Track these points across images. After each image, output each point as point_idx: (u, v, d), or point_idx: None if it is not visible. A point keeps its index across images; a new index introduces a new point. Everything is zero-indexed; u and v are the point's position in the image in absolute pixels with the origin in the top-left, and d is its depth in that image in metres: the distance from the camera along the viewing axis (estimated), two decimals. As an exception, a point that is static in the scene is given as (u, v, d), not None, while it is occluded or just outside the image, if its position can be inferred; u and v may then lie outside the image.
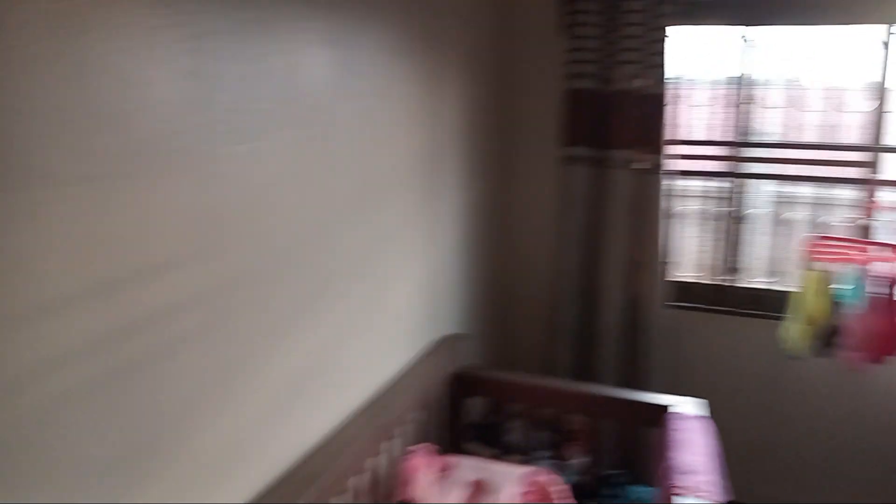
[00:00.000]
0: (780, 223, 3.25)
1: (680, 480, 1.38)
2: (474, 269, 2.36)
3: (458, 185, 2.14)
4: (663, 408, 1.77)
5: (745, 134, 2.47)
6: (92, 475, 0.84)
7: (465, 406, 2.10)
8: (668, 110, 2.32)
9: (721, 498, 1.43)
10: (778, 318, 2.26)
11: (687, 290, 2.57)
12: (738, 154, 2.50)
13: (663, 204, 2.38)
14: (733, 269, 2.52)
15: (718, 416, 1.88)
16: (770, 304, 2.41)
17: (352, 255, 1.48)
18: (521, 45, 2.52)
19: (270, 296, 1.18)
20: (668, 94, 2.31)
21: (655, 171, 2.35)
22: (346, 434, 1.43)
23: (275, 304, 1.20)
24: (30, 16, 0.71)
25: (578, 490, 1.72)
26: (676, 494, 1.34)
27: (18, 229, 0.72)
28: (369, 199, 1.54)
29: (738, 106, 2.44)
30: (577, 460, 1.99)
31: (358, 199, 1.48)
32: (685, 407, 1.77)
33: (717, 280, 2.54)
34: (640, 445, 2.22)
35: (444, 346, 2.03)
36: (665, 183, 2.37)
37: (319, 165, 1.31)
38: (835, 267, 2.09)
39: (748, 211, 2.53)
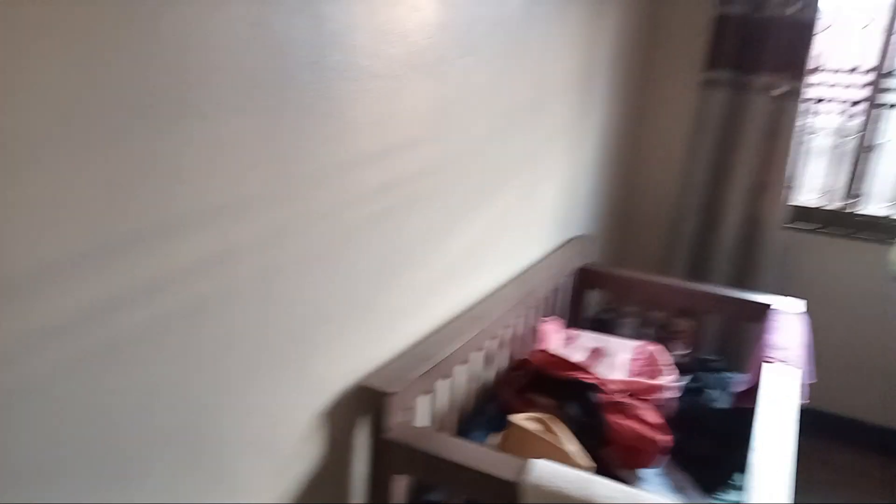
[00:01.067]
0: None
1: (772, 352, 1.67)
2: (608, 178, 2.64)
3: (605, 102, 2.40)
4: (766, 306, 2.02)
5: (890, 64, 2.53)
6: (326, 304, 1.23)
7: (585, 298, 2.44)
8: (816, 37, 2.43)
9: (806, 378, 1.70)
10: (891, 244, 2.40)
11: (807, 214, 2.72)
12: (879, 84, 2.56)
13: (796, 130, 2.52)
14: (855, 196, 2.64)
15: (821, 326, 2.10)
16: (885, 230, 2.54)
17: (516, 155, 1.81)
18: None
19: (460, 180, 1.54)
20: (818, 21, 2.41)
21: (794, 97, 2.49)
22: (497, 297, 1.81)
23: (462, 187, 1.56)
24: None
25: (679, 369, 2.04)
26: (767, 362, 1.63)
27: (353, 108, 1.10)
28: (534, 110, 1.85)
29: (888, 34, 2.49)
30: (681, 352, 2.29)
31: (527, 109, 1.79)
32: (786, 305, 2.02)
33: (838, 206, 2.68)
34: (740, 340, 2.50)
35: (574, 243, 2.36)
36: (801, 109, 2.50)
37: (507, 77, 1.63)
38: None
39: (879, 141, 2.61)
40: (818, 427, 2.52)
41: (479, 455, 1.23)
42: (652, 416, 1.66)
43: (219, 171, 0.89)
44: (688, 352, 2.22)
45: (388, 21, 1.16)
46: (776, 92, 2.52)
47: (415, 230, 1.39)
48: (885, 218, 2.59)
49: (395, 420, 1.28)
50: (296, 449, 1.16)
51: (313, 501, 1.22)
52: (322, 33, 1.02)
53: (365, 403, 1.29)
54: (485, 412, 1.74)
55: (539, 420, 1.53)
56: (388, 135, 1.23)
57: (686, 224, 2.77)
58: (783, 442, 1.32)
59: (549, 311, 2.18)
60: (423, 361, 1.39)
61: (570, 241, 2.34)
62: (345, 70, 1.08)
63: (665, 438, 1.62)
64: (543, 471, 1.15)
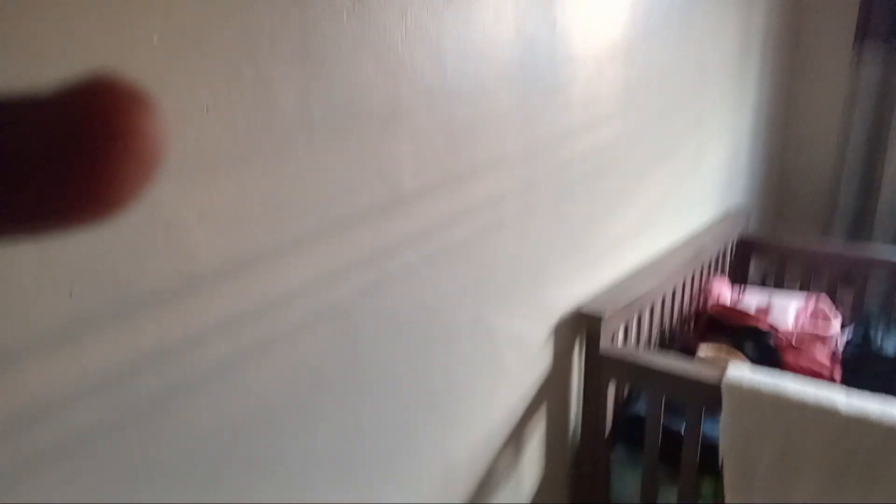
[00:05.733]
0: None
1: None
2: (764, 147, 2.82)
3: (758, 78, 2.59)
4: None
5: None
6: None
7: (746, 266, 2.62)
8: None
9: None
10: None
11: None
12: None
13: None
14: None
15: None
16: None
17: (681, 128, 2.06)
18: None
19: (639, 148, 1.82)
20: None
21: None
22: (672, 255, 2.07)
23: (640, 155, 1.83)
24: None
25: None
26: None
27: (570, 87, 1.43)
28: (697, 87, 2.09)
29: None
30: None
31: (691, 87, 2.04)
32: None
33: None
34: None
35: (734, 213, 2.55)
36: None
37: (675, 59, 1.90)
38: None
39: None
40: None
41: (683, 364, 1.50)
42: (823, 357, 1.85)
43: (490, 135, 1.23)
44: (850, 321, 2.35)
45: (593, 18, 1.47)
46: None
47: (608, 189, 1.69)
48: None
49: (605, 341, 1.58)
50: (537, 352, 1.49)
51: (546, 396, 1.55)
52: (553, 32, 1.35)
53: (582, 325, 1.60)
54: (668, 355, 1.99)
55: (722, 350, 1.78)
56: (591, 110, 1.53)
57: (844, 198, 2.87)
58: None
59: (716, 275, 2.40)
60: (621, 298, 1.68)
61: (731, 211, 2.55)
62: (565, 58, 1.40)
63: (835, 378, 1.81)
64: (740, 372, 1.40)
